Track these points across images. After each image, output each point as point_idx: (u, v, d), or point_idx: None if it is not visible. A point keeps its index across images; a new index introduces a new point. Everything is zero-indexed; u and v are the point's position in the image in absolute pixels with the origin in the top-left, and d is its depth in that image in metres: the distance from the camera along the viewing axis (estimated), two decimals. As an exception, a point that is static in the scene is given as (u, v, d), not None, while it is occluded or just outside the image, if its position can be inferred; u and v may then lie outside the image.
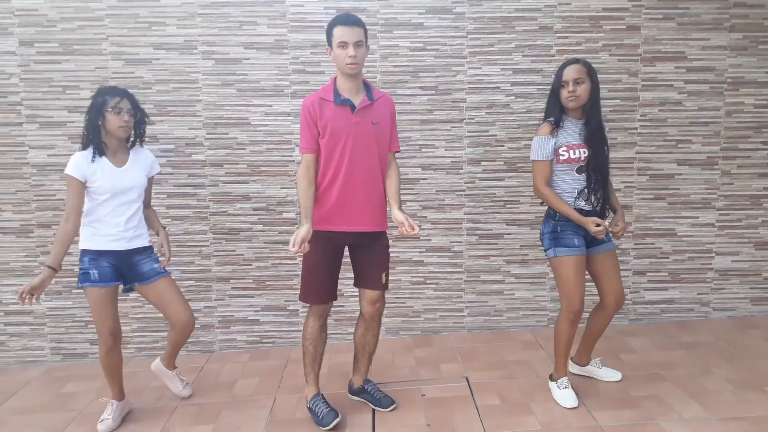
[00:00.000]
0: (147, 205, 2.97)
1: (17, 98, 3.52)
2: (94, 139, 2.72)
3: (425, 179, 3.74)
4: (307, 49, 3.58)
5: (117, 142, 2.77)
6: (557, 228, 2.78)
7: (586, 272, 2.85)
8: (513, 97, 3.70)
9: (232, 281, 3.74)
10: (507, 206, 3.78)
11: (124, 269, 2.80)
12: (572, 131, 2.76)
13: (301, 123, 2.68)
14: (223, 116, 3.61)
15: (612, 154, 3.68)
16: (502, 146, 3.74)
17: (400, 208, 2.70)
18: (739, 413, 2.71)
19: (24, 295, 2.52)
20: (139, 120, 2.83)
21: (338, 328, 3.79)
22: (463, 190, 3.77)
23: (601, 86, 3.68)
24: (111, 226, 2.75)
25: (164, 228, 2.98)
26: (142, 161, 2.86)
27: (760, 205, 3.89)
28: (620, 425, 2.64)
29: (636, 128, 3.76)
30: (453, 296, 3.86)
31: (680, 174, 3.83)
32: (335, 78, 2.69)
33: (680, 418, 2.69)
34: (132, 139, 2.86)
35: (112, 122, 2.69)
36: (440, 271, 3.83)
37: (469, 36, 3.64)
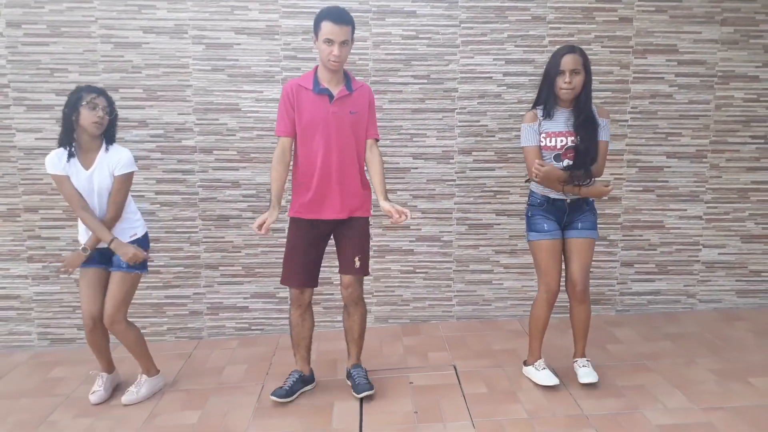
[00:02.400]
0: (108, 210, 2.81)
1: (4, 80, 3.47)
2: (67, 136, 2.73)
3: (416, 168, 3.74)
4: (299, 35, 3.55)
5: (89, 139, 2.75)
6: (529, 212, 2.90)
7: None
8: (505, 88, 3.70)
9: (221, 268, 3.73)
10: (497, 196, 3.79)
11: (109, 254, 2.87)
12: (558, 119, 2.78)
13: (279, 106, 2.74)
14: (213, 102, 3.59)
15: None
16: (493, 136, 3.74)
17: (386, 198, 2.77)
18: (722, 403, 2.75)
19: (61, 270, 2.80)
20: (112, 120, 2.79)
21: (327, 316, 3.79)
22: (454, 180, 3.77)
23: (592, 78, 3.71)
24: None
25: (111, 239, 2.77)
26: (108, 162, 2.78)
27: (747, 199, 3.92)
28: (605, 414, 2.67)
29: (626, 120, 3.78)
30: (442, 285, 3.87)
31: (669, 167, 3.85)
32: (317, 67, 2.73)
33: (664, 407, 2.72)
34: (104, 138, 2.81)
35: (86, 117, 2.68)
36: (430, 260, 3.84)
37: (462, 25, 3.63)
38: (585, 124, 2.74)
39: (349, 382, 3.00)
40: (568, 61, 2.67)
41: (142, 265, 2.89)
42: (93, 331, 2.86)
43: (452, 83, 3.67)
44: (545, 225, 2.84)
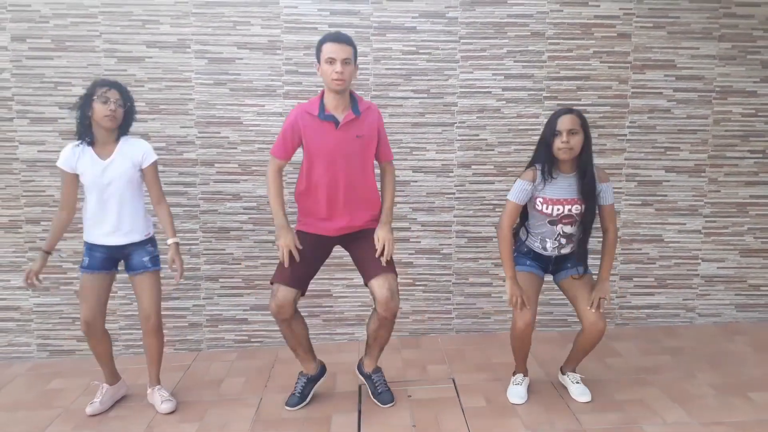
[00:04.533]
0: (156, 201, 2.89)
1: (8, 93, 3.51)
2: (84, 130, 2.73)
3: (416, 182, 3.76)
4: (301, 51, 3.59)
5: (106, 133, 2.75)
6: (514, 253, 2.88)
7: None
8: (504, 102, 3.73)
9: (221, 280, 3.75)
10: (496, 210, 3.81)
11: (118, 257, 2.88)
12: (560, 185, 2.72)
13: (283, 126, 2.73)
14: (215, 115, 3.62)
15: (601, 161, 3.74)
16: (493, 150, 3.76)
17: (385, 224, 2.76)
18: (721, 418, 2.74)
19: (29, 280, 2.76)
20: (128, 111, 2.80)
21: (326, 329, 3.79)
22: (453, 193, 3.79)
23: (591, 93, 3.75)
24: (101, 222, 2.80)
25: (175, 242, 2.86)
26: (129, 152, 2.79)
27: (746, 213, 3.93)
28: (604, 428, 2.67)
29: (625, 135, 3.80)
30: (441, 298, 3.88)
31: (668, 181, 3.87)
32: (323, 91, 2.71)
33: (663, 422, 2.71)
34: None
35: (99, 111, 2.68)
36: (429, 273, 3.85)
37: (462, 41, 3.66)
38: (587, 188, 2.68)
39: (362, 379, 3.05)
40: (564, 121, 2.60)
41: (159, 262, 2.92)
42: (89, 337, 2.84)
43: (452, 98, 3.70)
44: (527, 261, 2.88)
